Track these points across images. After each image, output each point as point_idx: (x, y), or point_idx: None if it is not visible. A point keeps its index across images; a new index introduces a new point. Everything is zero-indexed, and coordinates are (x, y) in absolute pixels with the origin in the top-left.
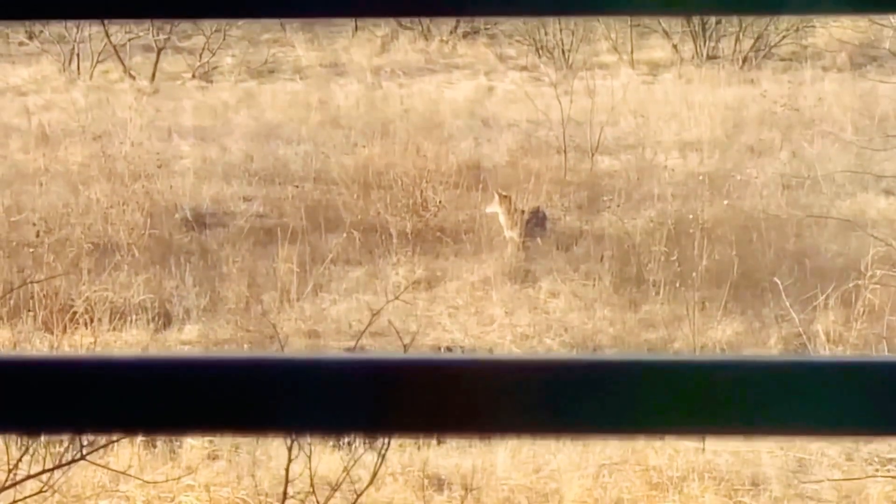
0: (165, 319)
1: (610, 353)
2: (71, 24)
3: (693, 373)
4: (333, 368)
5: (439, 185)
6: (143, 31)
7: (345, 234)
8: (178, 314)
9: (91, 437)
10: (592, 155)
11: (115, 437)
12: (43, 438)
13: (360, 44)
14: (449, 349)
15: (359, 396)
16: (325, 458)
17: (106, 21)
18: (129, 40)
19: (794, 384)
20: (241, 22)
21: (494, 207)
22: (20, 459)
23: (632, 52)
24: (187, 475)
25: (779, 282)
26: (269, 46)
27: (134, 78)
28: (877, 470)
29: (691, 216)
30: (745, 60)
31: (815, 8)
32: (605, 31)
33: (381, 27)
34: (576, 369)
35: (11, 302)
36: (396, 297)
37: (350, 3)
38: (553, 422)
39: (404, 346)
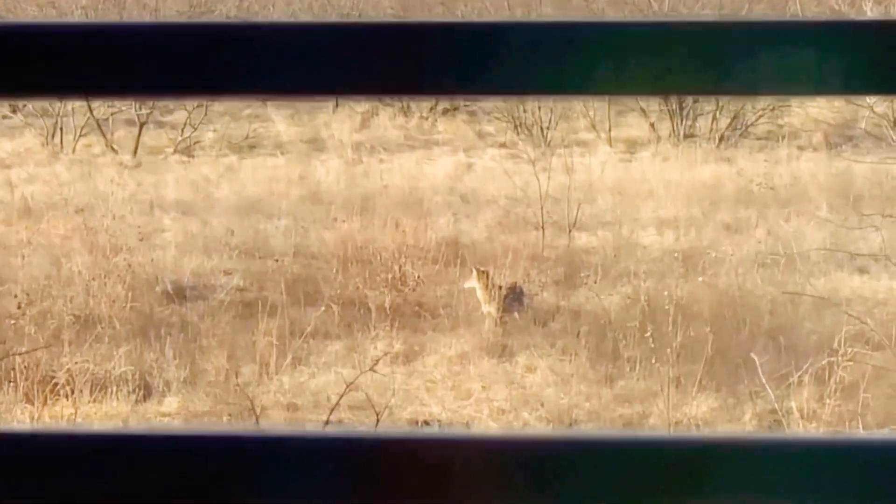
0: (146, 391)
1: (587, 430)
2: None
3: (670, 450)
4: (310, 443)
5: (418, 260)
6: (125, 106)
7: (324, 308)
8: (159, 386)
9: None
10: (570, 231)
11: None
12: None
13: (340, 119)
14: (426, 423)
15: (335, 471)
16: None
17: (89, 99)
18: (112, 114)
19: (767, 462)
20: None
21: (472, 283)
22: None
23: (610, 130)
24: None
25: (754, 358)
26: (251, 121)
27: (116, 152)
28: None
29: (667, 293)
30: (721, 139)
31: (790, 90)
32: (583, 109)
33: (362, 103)
34: (552, 446)
35: None
36: (371, 369)
37: (333, 83)
38: (531, 499)
39: (378, 419)
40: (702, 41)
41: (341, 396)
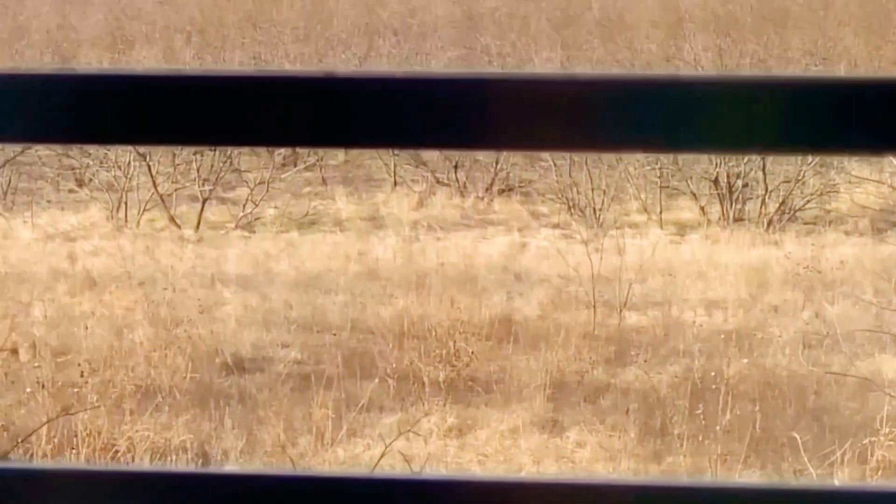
0: (204, 460)
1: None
2: (119, 173)
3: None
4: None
5: (472, 337)
6: (188, 182)
7: (379, 382)
8: (217, 456)
9: None
10: (620, 311)
11: None
12: None
13: (398, 198)
14: None
15: None
16: None
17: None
18: (176, 190)
19: None
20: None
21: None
22: None
23: (661, 213)
24: None
25: (798, 437)
26: (311, 199)
27: (179, 226)
28: None
29: (714, 372)
30: (769, 223)
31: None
32: (634, 192)
33: (419, 183)
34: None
35: (56, 439)
36: (409, 430)
37: (354, 135)
38: None
39: None
40: (680, 97)
41: (379, 459)
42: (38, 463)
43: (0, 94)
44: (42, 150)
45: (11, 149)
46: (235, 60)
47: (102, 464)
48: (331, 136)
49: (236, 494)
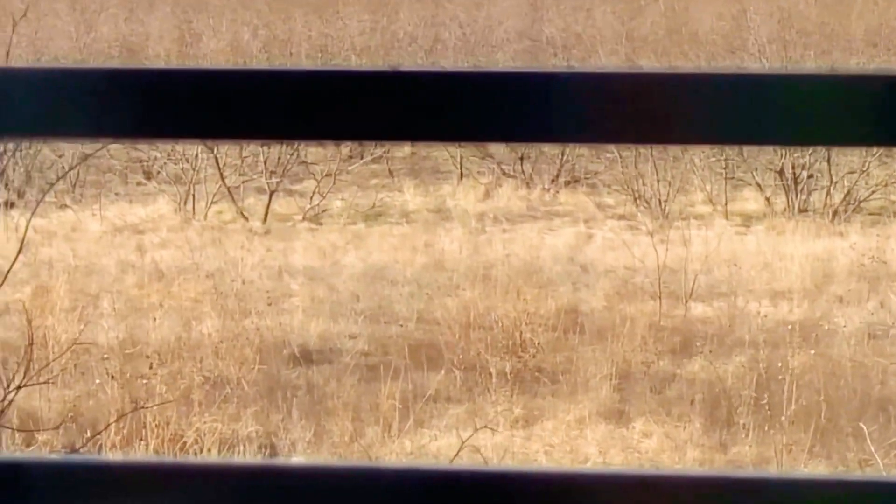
0: (272, 451)
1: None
2: (187, 166)
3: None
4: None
5: (538, 328)
6: (256, 174)
7: (445, 373)
8: (284, 447)
9: None
10: (686, 301)
11: None
12: None
13: (464, 190)
14: None
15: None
16: None
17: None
18: (243, 182)
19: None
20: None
21: None
22: None
23: (726, 204)
24: None
25: (864, 427)
26: (378, 191)
27: (247, 219)
28: None
29: (780, 362)
30: (834, 214)
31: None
32: (700, 183)
33: (486, 174)
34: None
35: (125, 431)
36: (485, 426)
37: (411, 129)
38: None
39: None
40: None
41: (456, 454)
42: (106, 457)
43: (68, 90)
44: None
45: (86, 147)
46: (302, 54)
47: (166, 458)
48: (397, 130)
49: (304, 488)
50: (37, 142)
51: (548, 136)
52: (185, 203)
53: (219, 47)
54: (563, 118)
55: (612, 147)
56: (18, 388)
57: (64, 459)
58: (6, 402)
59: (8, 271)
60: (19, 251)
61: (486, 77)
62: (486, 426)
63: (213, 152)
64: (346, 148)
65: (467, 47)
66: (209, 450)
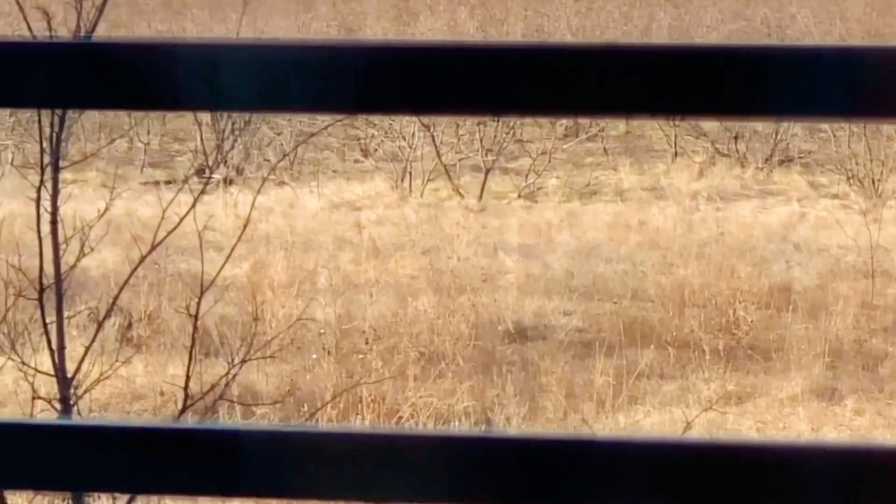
0: (487, 426)
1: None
2: (404, 143)
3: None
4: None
5: (751, 306)
6: (472, 153)
7: (659, 350)
8: (499, 422)
9: None
10: None
11: None
12: None
13: (679, 169)
14: None
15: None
16: None
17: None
18: (459, 160)
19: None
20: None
21: None
22: None
23: None
24: None
25: None
26: (593, 169)
27: (462, 196)
28: None
29: None
30: None
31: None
32: None
33: (700, 153)
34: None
35: (341, 405)
36: (710, 407)
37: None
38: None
39: None
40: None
41: (684, 430)
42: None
43: (287, 64)
44: (328, 121)
45: (307, 125)
46: (518, 33)
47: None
48: (609, 104)
49: (516, 459)
50: (261, 114)
51: (762, 111)
52: (402, 180)
53: (435, 26)
54: (777, 93)
55: (825, 125)
56: (243, 361)
57: (279, 428)
58: (231, 377)
59: (232, 249)
60: (244, 229)
61: (695, 54)
62: (710, 407)
63: (429, 130)
64: (561, 126)
65: (682, 27)
66: (424, 424)
